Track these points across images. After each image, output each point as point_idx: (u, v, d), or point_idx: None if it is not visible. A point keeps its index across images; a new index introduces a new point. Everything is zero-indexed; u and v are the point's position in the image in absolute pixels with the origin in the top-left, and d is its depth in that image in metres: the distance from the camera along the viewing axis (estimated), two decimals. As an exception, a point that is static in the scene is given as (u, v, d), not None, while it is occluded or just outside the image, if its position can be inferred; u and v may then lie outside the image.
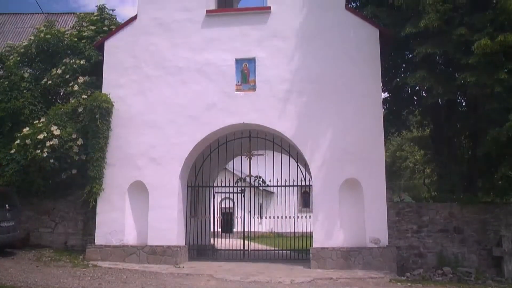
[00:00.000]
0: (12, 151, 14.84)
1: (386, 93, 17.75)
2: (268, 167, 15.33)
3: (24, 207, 15.28)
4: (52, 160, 14.41)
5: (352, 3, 17.19)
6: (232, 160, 18.45)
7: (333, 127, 14.08)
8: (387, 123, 16.13)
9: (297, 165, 14.99)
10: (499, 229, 13.89)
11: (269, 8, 14.88)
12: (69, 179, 15.11)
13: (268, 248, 17.53)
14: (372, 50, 14.27)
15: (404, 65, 17.05)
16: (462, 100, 16.82)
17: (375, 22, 14.54)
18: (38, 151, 14.26)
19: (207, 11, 15.08)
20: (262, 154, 15.92)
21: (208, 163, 15.72)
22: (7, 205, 14.09)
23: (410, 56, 15.89)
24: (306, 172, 14.88)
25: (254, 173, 15.94)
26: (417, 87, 16.22)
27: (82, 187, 14.73)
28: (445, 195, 14.99)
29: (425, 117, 18.92)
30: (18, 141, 14.68)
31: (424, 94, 16.12)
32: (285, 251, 16.40)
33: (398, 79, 15.34)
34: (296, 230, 16.77)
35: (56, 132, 14.37)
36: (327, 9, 14.69)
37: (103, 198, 14.56)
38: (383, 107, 15.73)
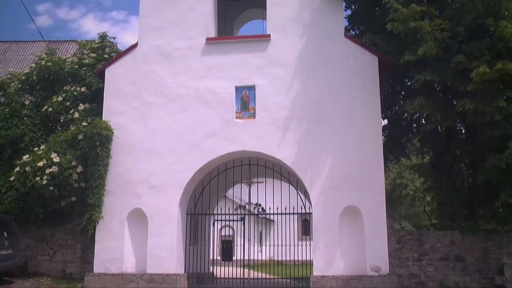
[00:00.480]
0: (11, 179, 14.82)
1: (386, 120, 17.80)
2: (268, 195, 15.28)
3: (22, 235, 15.16)
4: (51, 188, 14.37)
5: (351, 31, 17.34)
6: (232, 188, 18.37)
7: (333, 155, 14.08)
8: (386, 150, 16.11)
9: (297, 192, 14.93)
10: (501, 257, 13.78)
11: (269, 36, 15.00)
12: (68, 206, 15.03)
13: (268, 276, 17.36)
14: (371, 77, 14.34)
15: (403, 92, 17.11)
16: (462, 127, 16.85)
17: (374, 50, 14.64)
18: (38, 178, 14.23)
19: (207, 39, 15.20)
20: (262, 182, 15.86)
21: (208, 191, 15.66)
22: (5, 233, 14.00)
23: (409, 83, 15.96)
24: (306, 200, 14.81)
25: (254, 200, 15.89)
26: (417, 114, 16.25)
27: (81, 214, 14.66)
28: (446, 223, 14.92)
29: (424, 144, 18.92)
30: (17, 169, 14.66)
31: (423, 121, 16.15)
32: (285, 279, 16.24)
33: (397, 107, 15.38)
34: (296, 258, 16.60)
35: (56, 159, 14.36)
36: (326, 37, 14.81)
37: (102, 226, 14.47)
38: (382, 134, 15.75)
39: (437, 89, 15.59)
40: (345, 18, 16.18)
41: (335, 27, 14.87)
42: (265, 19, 15.55)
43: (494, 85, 12.35)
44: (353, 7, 17.26)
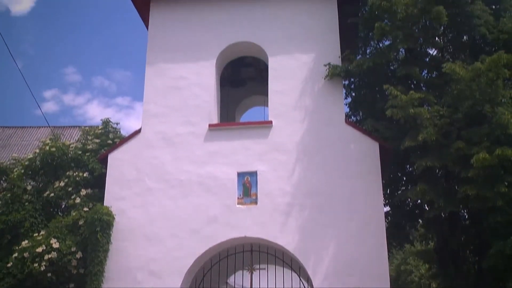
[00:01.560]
0: (9, 265, 14.57)
1: (388, 206, 17.73)
2: (270, 281, 14.97)
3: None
4: (49, 274, 14.09)
5: (352, 117, 17.62)
6: (233, 274, 18.03)
7: (336, 241, 13.89)
8: (390, 236, 15.93)
9: (300, 279, 14.64)
10: None
11: (271, 122, 15.23)
12: (66, 293, 14.70)
13: None
14: (372, 163, 14.41)
15: (405, 178, 17.15)
16: (465, 213, 16.73)
17: (375, 136, 14.79)
18: (36, 264, 13.99)
19: (209, 125, 15.42)
20: (264, 268, 15.58)
21: (209, 277, 15.36)
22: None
23: (411, 169, 16.03)
24: (309, 287, 14.50)
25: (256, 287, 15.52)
26: (419, 201, 16.20)
27: (79, 302, 14.31)
28: (453, 310, 14.53)
29: (428, 230, 18.72)
30: (15, 254, 14.45)
31: (426, 207, 16.07)
32: None
33: (399, 193, 15.37)
34: None
35: (56, 245, 14.19)
36: (327, 123, 15.03)
37: (100, 314, 14.09)
38: (385, 221, 15.61)
39: (439, 174, 15.64)
40: (346, 104, 16.51)
41: (336, 113, 15.12)
42: (267, 106, 15.85)
43: (494, 171, 12.38)
44: (353, 94, 17.64)
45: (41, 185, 16.87)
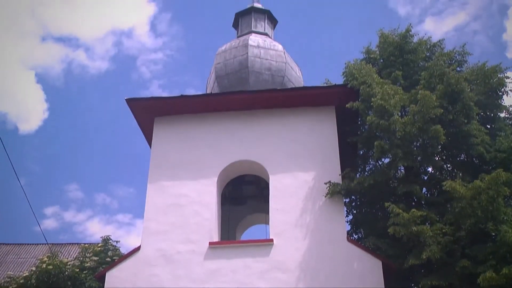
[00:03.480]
0: None
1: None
2: None
3: None
4: None
5: (353, 235, 17.44)
6: None
7: None
8: None
9: None
10: None
11: (272, 240, 15.06)
12: None
13: None
14: (376, 282, 14.07)
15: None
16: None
17: (378, 254, 14.56)
18: None
19: (210, 243, 15.24)
20: None
21: None
22: None
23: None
24: None
25: None
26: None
27: None
28: None
29: None
30: None
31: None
32: None
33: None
34: None
35: None
36: (328, 241, 14.87)
37: None
38: None
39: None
40: (347, 222, 16.41)
41: (338, 231, 15.02)
42: (268, 224, 15.76)
43: (502, 290, 12.10)
44: (354, 211, 17.59)
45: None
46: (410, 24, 17.74)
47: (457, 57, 17.28)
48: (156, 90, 67.95)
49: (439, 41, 17.88)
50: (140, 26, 78.39)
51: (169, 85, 67.51)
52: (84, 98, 62.56)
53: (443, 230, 13.38)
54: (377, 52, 18.01)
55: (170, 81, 68.12)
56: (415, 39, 17.65)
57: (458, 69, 17.02)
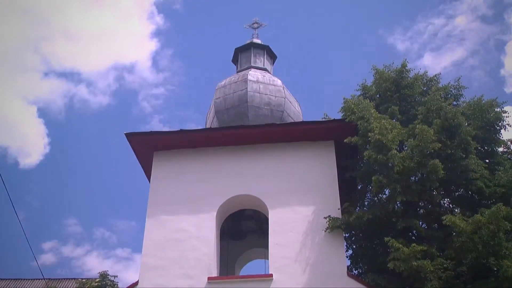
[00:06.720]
0: None
1: None
2: None
3: None
4: None
5: (354, 270, 17.29)
6: None
7: None
8: None
9: None
10: None
11: (271, 275, 14.93)
12: None
13: None
14: (377, 319, 13.95)
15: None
16: None
17: (378, 290, 14.44)
18: None
19: (209, 278, 15.08)
20: None
21: None
22: None
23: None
24: None
25: None
26: None
27: None
28: None
29: None
30: None
31: None
32: None
33: None
34: None
35: None
36: (328, 276, 14.73)
37: None
38: None
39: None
40: (347, 257, 16.27)
41: (338, 266, 14.89)
42: (268, 259, 15.63)
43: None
44: (354, 246, 17.46)
45: None
46: (406, 59, 17.97)
47: (453, 91, 17.46)
48: (156, 125, 68.03)
49: (435, 75, 18.12)
50: (142, 62, 79.12)
51: (169, 119, 67.67)
52: (85, 133, 62.56)
53: (444, 265, 13.28)
54: (373, 88, 18.17)
55: (171, 116, 68.30)
56: (411, 74, 17.84)
57: (455, 103, 17.15)
